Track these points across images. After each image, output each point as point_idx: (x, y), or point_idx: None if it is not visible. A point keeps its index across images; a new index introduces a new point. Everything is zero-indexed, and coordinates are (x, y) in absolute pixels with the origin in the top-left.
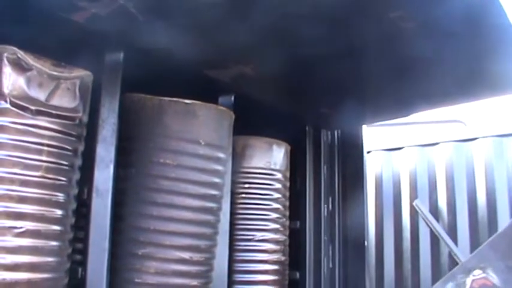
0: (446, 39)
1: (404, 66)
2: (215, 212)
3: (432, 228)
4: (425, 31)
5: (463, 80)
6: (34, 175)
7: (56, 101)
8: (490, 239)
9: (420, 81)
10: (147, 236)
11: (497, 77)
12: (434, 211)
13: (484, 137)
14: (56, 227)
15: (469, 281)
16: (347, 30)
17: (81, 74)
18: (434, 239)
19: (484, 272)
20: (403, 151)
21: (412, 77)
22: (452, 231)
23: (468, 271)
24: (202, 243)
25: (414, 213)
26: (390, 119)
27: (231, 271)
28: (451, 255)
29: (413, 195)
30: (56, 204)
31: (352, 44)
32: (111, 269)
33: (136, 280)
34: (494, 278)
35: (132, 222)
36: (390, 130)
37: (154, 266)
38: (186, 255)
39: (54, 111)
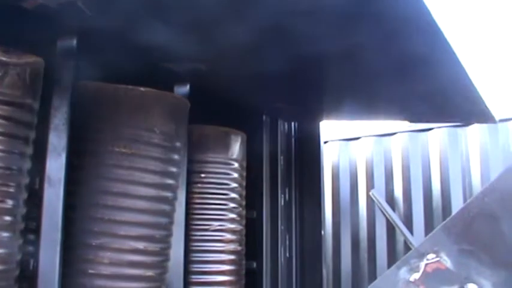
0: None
1: (369, 70)
2: (170, 201)
3: (388, 217)
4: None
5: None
6: None
7: (4, 88)
8: (443, 222)
9: (382, 86)
10: (101, 226)
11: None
12: (391, 200)
13: (439, 127)
14: (7, 218)
15: (422, 265)
16: (311, 30)
17: (31, 60)
18: (390, 228)
19: (437, 256)
20: (359, 141)
21: (376, 80)
22: (408, 220)
23: (421, 255)
24: (157, 233)
25: (371, 202)
26: (348, 120)
27: (187, 261)
28: (406, 244)
29: (370, 185)
30: (6, 194)
31: (315, 44)
32: (64, 260)
33: (90, 271)
34: (447, 261)
35: (85, 212)
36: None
37: (108, 257)
38: (140, 245)
39: (3, 98)
